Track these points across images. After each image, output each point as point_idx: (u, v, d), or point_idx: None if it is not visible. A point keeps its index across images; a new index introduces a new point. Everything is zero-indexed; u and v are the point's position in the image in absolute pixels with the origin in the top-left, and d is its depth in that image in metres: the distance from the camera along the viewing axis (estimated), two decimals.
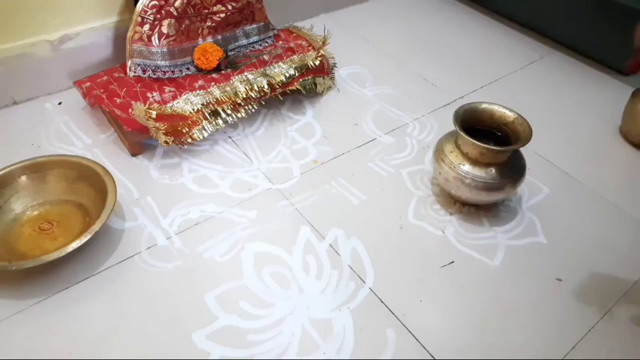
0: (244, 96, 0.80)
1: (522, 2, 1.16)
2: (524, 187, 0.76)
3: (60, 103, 0.86)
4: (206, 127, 0.77)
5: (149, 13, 0.78)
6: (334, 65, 0.97)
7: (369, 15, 1.20)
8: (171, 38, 0.82)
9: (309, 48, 0.91)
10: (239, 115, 0.80)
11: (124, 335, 0.56)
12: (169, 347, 0.55)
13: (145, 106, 0.74)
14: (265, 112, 0.88)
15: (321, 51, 0.89)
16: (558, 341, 0.59)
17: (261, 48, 0.92)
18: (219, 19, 0.86)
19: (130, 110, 0.74)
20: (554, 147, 0.85)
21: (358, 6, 1.23)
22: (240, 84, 0.81)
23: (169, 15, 0.80)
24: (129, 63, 0.81)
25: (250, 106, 0.81)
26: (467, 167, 0.67)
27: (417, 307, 0.61)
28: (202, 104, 0.77)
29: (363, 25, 1.15)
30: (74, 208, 0.67)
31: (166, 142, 0.73)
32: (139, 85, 0.80)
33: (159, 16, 0.79)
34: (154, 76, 0.82)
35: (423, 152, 0.83)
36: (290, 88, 0.85)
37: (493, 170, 0.66)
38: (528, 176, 0.68)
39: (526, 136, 0.65)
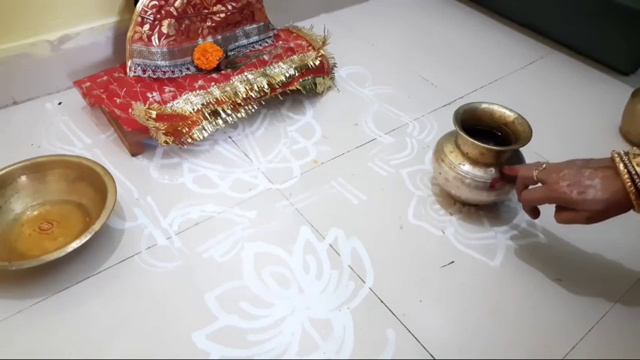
0: (244, 96, 0.80)
1: (522, 2, 1.16)
2: None
3: (60, 103, 0.86)
4: (206, 127, 0.77)
5: (149, 13, 0.78)
6: (334, 65, 0.97)
7: (369, 15, 1.20)
8: (172, 38, 0.82)
9: (309, 48, 0.91)
10: (239, 115, 0.80)
11: (124, 335, 0.56)
12: (169, 347, 0.55)
13: (145, 106, 0.74)
14: (265, 112, 0.88)
15: (321, 51, 0.89)
16: (558, 341, 0.59)
17: (261, 48, 0.92)
18: (219, 19, 0.86)
19: (130, 110, 0.74)
20: (555, 147, 0.85)
21: (358, 6, 1.23)
22: (240, 84, 0.81)
23: (169, 15, 0.80)
24: (129, 63, 0.81)
25: (250, 106, 0.81)
26: (467, 167, 0.67)
27: (417, 307, 0.61)
28: (202, 104, 0.77)
29: (363, 25, 1.15)
30: (74, 208, 0.67)
31: (166, 142, 0.73)
32: (139, 85, 0.80)
33: (159, 16, 0.79)
34: (154, 76, 0.82)
35: (423, 152, 0.83)
36: (290, 88, 0.85)
37: (493, 170, 0.66)
38: None
39: (526, 136, 0.65)
